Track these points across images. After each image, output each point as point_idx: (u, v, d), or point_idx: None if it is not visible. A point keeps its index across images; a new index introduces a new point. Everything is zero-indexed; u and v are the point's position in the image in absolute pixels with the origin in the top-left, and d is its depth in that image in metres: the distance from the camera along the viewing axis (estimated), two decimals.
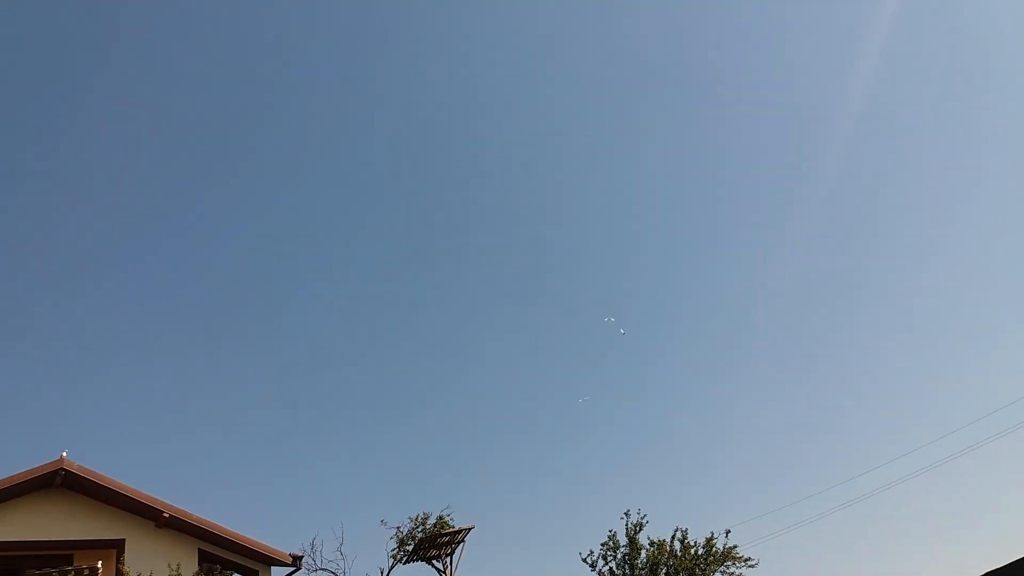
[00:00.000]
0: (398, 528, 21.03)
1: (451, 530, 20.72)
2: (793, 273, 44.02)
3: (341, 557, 20.87)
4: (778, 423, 43.37)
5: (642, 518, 21.77)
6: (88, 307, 41.60)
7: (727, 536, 21.38)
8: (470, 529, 20.87)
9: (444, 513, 21.23)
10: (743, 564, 21.37)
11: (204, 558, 18.61)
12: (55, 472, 17.49)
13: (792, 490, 45.71)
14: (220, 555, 18.97)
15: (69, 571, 15.18)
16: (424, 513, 21.15)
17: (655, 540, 21.51)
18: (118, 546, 17.92)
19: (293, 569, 19.83)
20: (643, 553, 21.41)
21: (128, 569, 16.47)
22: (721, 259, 46.88)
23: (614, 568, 21.55)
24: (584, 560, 21.82)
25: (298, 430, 42.50)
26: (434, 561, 21.17)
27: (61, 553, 17.59)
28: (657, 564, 21.12)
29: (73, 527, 17.92)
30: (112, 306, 41.53)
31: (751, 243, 46.43)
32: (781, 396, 44.11)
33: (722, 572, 21.34)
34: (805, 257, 44.80)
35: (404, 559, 21.00)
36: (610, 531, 21.82)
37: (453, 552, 21.17)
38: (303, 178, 45.98)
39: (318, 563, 20.53)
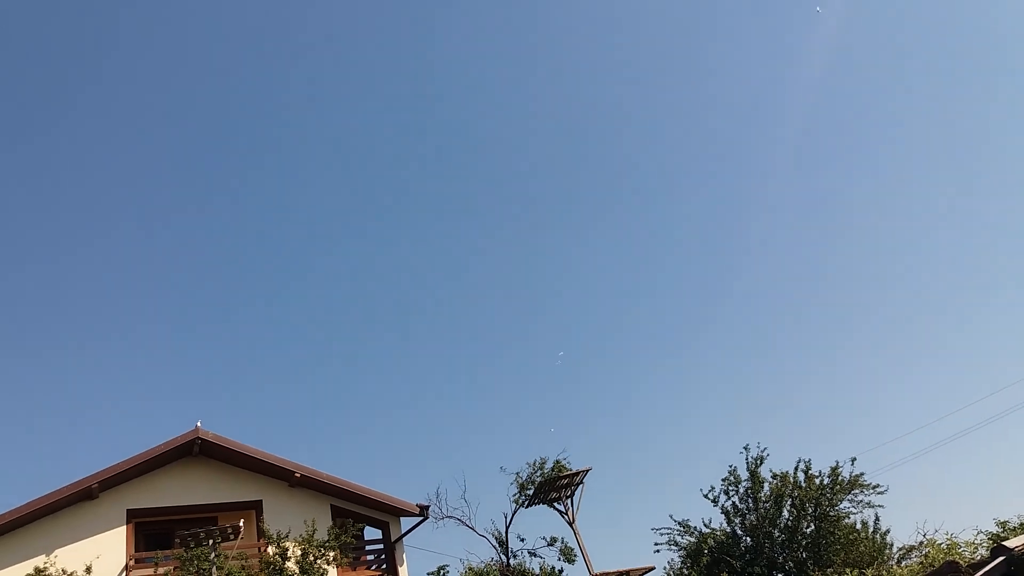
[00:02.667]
0: (517, 474, 21.29)
1: (569, 472, 20.80)
2: None
3: (465, 504, 21.43)
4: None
5: (762, 451, 21.37)
6: None
7: (853, 464, 20.78)
8: (587, 471, 20.90)
9: (560, 457, 21.35)
10: (872, 491, 20.75)
11: (337, 513, 19.35)
12: (192, 441, 18.47)
13: (918, 417, 44.52)
14: (351, 509, 19.68)
15: (215, 531, 16.01)
16: (541, 458, 21.32)
17: (777, 472, 21.09)
18: (256, 506, 18.93)
19: (421, 519, 20.35)
20: (766, 486, 21.04)
21: (268, 527, 17.28)
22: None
23: (737, 502, 21.28)
24: (706, 496, 21.66)
25: (418, 389, 43.80)
26: (555, 503, 21.36)
27: (206, 516, 18.69)
28: (781, 496, 20.69)
29: (214, 491, 18.96)
30: None
31: None
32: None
33: (850, 500, 20.77)
34: None
35: (526, 503, 21.29)
36: (730, 466, 21.51)
37: (573, 494, 21.29)
38: None
39: (444, 511, 21.11)
